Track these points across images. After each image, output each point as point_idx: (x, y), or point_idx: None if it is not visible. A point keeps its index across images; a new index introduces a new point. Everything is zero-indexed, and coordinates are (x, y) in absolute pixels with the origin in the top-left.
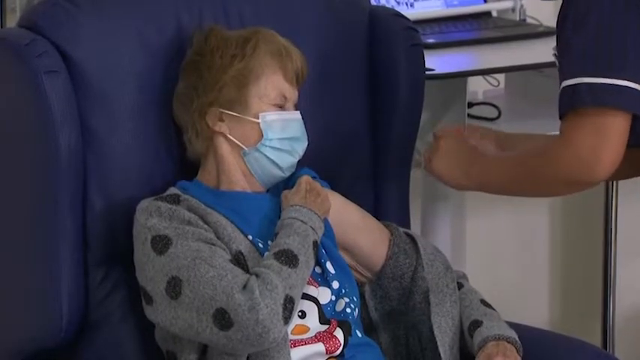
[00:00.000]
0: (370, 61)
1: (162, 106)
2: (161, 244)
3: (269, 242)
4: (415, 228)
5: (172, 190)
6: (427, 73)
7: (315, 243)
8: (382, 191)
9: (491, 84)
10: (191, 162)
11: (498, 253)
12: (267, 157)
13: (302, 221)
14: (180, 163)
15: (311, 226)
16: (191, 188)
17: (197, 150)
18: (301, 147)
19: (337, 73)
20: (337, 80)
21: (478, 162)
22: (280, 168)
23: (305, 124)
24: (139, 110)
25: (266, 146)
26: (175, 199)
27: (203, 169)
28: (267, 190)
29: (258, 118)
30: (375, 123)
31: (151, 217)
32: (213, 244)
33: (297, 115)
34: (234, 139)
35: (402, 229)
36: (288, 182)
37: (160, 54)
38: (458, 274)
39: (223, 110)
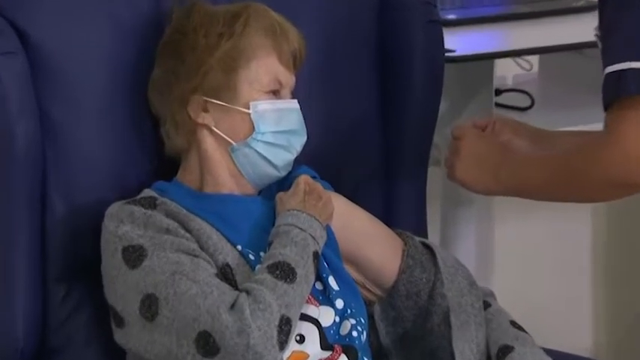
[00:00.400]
0: (380, 41)
1: (135, 94)
2: (134, 255)
3: (261, 253)
4: (433, 237)
5: (148, 192)
6: (447, 54)
7: (315, 254)
8: (394, 194)
9: (522, 67)
10: (170, 159)
11: (532, 266)
12: (259, 154)
13: (300, 228)
14: (157, 161)
15: (311, 234)
16: (170, 190)
17: (177, 145)
18: (299, 142)
19: (341, 55)
20: (341, 64)
21: (509, 162)
22: (274, 166)
23: (303, 114)
24: (109, 99)
25: (258, 141)
26: (151, 203)
27: (184, 167)
28: (259, 193)
29: (248, 108)
30: (387, 114)
31: (122, 224)
32: (196, 256)
33: (295, 104)
34: (221, 133)
35: (417, 239)
36: (284, 183)
37: (133, 33)
38: (484, 292)
39: (208, 99)
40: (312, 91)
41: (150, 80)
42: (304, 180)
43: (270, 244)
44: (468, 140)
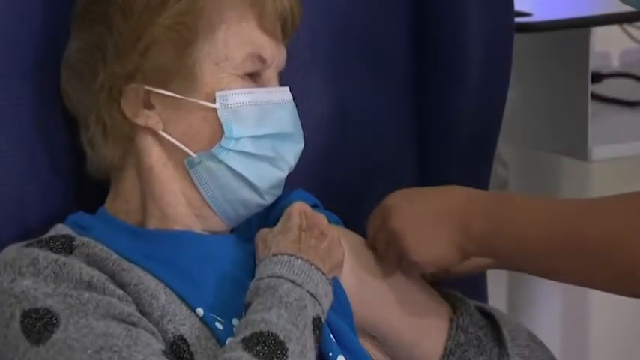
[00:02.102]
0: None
1: (40, 81)
2: (40, 324)
3: (234, 321)
4: (498, 300)
5: (60, 229)
6: (519, 20)
7: (316, 321)
8: None
9: (635, 40)
10: (95, 181)
11: None
12: (232, 170)
13: (293, 282)
14: (75, 183)
15: (310, 292)
16: (94, 226)
17: (105, 160)
18: (292, 151)
19: (358, 17)
20: (358, 33)
21: (488, 208)
22: (255, 189)
23: (299, 109)
24: None
25: (229, 150)
26: (65, 245)
27: (116, 192)
28: (232, 230)
29: (214, 101)
30: (426, 111)
31: (21, 277)
32: (134, 324)
33: (286, 93)
34: (173, 140)
35: (472, 302)
36: (269, 216)
37: None
38: None
39: (151, 88)
40: (312, 73)
41: (63, 59)
42: (299, 210)
43: (247, 306)
44: (401, 196)
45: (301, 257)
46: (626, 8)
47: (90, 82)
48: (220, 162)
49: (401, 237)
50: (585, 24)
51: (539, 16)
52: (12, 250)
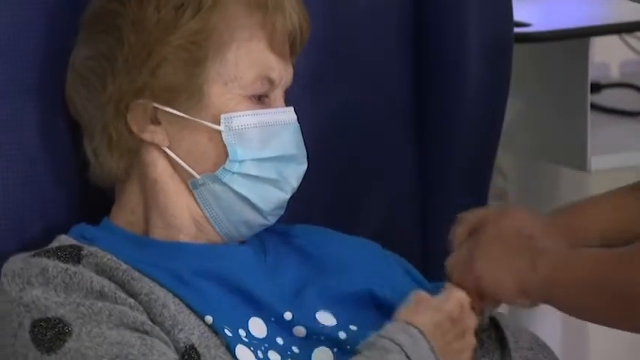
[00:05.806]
0: (417, 11)
1: (42, 88)
2: (51, 333)
3: (240, 332)
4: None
5: (66, 240)
6: (518, 31)
7: None
8: (437, 243)
9: (635, 50)
10: (95, 191)
11: None
12: (236, 193)
13: (407, 357)
14: (75, 194)
15: None
16: (99, 236)
17: (110, 170)
18: (295, 173)
19: (356, 32)
20: (356, 45)
21: (552, 251)
22: (259, 210)
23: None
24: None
25: (233, 173)
26: (74, 255)
27: (120, 204)
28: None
29: (219, 124)
30: (425, 121)
31: (30, 287)
32: (147, 333)
33: (290, 114)
34: (178, 159)
35: None
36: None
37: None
38: None
39: (159, 105)
40: (310, 84)
41: (70, 65)
42: (461, 301)
43: (356, 353)
44: (493, 221)
45: (429, 342)
46: (626, 18)
47: (97, 92)
48: (224, 184)
49: (479, 245)
50: (585, 34)
51: (539, 26)
52: (18, 260)
